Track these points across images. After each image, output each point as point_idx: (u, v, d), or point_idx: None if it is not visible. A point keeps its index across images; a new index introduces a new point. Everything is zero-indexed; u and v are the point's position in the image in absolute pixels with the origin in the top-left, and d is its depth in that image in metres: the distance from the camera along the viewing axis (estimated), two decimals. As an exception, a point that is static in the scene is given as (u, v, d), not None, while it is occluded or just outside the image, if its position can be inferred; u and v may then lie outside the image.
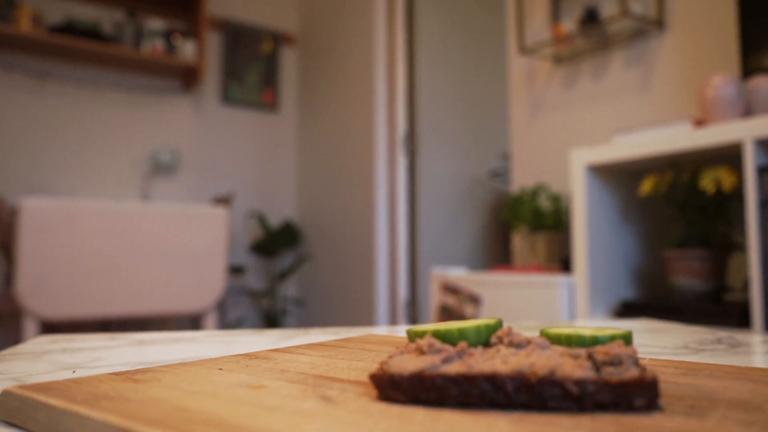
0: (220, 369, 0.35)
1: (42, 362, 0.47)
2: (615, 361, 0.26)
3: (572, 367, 0.26)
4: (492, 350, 0.29)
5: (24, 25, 2.70)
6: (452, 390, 0.26)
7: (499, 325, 0.31)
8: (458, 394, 0.26)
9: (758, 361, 0.46)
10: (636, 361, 0.27)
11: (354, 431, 0.22)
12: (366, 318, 3.01)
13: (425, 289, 2.93)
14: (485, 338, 0.30)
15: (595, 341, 0.29)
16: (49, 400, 0.27)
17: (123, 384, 0.31)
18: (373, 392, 0.29)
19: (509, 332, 0.30)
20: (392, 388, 0.27)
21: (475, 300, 2.04)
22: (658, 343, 0.58)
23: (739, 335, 0.62)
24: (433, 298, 2.20)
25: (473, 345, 0.30)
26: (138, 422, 0.23)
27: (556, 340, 0.30)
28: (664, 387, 0.30)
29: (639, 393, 0.25)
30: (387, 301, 3.00)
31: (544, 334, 0.32)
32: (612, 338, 0.30)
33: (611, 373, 0.25)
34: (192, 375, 0.33)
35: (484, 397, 0.26)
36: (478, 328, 0.30)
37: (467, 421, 0.24)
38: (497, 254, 3.19)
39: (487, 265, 3.14)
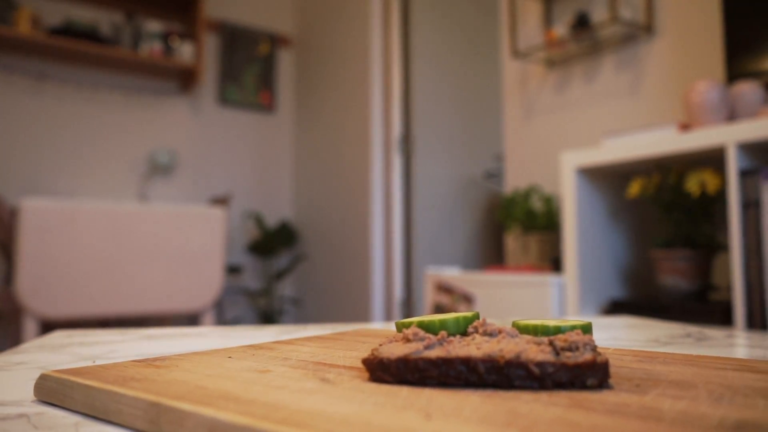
0: (230, 357, 0.40)
1: (63, 354, 0.51)
2: (572, 347, 0.31)
3: (535, 352, 0.30)
4: (468, 338, 0.33)
5: (23, 27, 2.73)
6: (433, 371, 0.30)
7: (476, 317, 0.35)
8: (438, 375, 0.30)
9: (715, 352, 0.51)
10: (593, 348, 0.32)
11: (348, 404, 0.27)
12: (362, 317, 3.06)
13: (420, 288, 2.98)
14: (463, 328, 0.34)
15: (557, 331, 0.34)
16: (85, 381, 0.31)
17: (145, 369, 0.35)
18: (366, 375, 0.33)
19: (484, 323, 0.34)
20: (382, 370, 0.31)
21: (468, 299, 2.08)
22: (632, 337, 0.62)
23: (708, 330, 0.67)
24: (428, 297, 2.24)
25: (452, 334, 0.34)
26: (166, 397, 0.28)
27: (525, 330, 0.35)
28: (619, 371, 0.34)
29: (591, 373, 0.29)
30: (382, 301, 3.04)
31: (515, 325, 0.36)
32: (573, 329, 0.34)
33: (568, 357, 0.30)
34: (205, 362, 0.38)
35: (459, 378, 0.30)
36: (456, 320, 0.34)
37: (444, 396, 0.28)
38: (491, 254, 3.24)
39: (482, 265, 3.18)
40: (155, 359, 0.38)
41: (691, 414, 0.25)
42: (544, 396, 0.28)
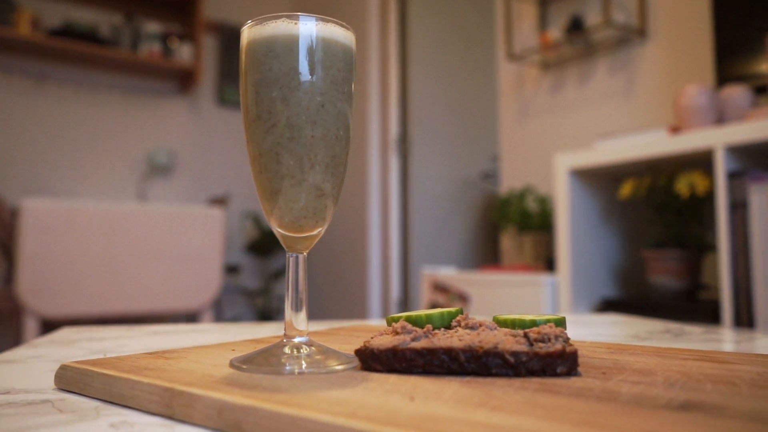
0: (233, 350, 0.43)
1: (74, 348, 0.54)
2: (544, 339, 0.34)
3: (511, 342, 0.33)
4: (452, 331, 0.36)
5: (23, 29, 2.76)
6: (418, 361, 0.33)
7: (459, 312, 0.38)
8: (423, 363, 0.33)
9: (688, 346, 0.54)
10: (565, 340, 0.35)
11: (342, 388, 0.30)
12: (359, 316, 3.09)
13: (417, 287, 3.01)
14: (447, 322, 0.38)
15: (533, 324, 0.37)
16: (103, 370, 0.34)
17: (156, 360, 0.38)
18: (359, 365, 0.36)
19: (466, 317, 0.37)
20: (373, 360, 0.34)
21: (463, 298, 2.12)
22: (613, 333, 0.65)
23: (688, 327, 0.70)
24: (424, 296, 2.28)
25: (437, 327, 0.37)
26: (177, 384, 0.31)
27: (504, 323, 0.38)
28: (590, 361, 0.38)
29: (561, 362, 0.33)
30: (379, 300, 3.07)
31: (495, 319, 0.39)
32: (547, 322, 0.37)
33: (540, 347, 0.33)
34: (211, 354, 0.41)
35: (442, 366, 0.33)
36: (441, 314, 0.37)
37: (428, 382, 0.31)
38: (487, 254, 3.27)
39: (477, 265, 3.22)
40: (164, 352, 0.42)
41: (644, 396, 0.28)
42: (517, 382, 0.31)
